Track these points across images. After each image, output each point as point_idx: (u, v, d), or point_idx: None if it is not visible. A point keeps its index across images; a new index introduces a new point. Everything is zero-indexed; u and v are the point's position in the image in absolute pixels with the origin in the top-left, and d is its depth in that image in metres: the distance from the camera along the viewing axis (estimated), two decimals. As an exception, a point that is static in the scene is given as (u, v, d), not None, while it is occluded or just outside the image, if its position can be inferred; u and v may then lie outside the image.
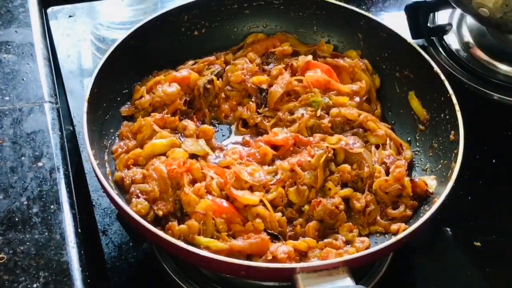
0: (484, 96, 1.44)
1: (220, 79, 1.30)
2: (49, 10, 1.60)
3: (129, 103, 1.28)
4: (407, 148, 1.24)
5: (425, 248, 1.24)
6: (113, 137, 1.22)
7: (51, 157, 1.11)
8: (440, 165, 1.19)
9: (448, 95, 1.20)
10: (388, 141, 1.23)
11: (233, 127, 1.28)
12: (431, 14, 1.56)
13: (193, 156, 1.16)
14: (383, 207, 1.14)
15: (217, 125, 1.29)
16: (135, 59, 1.29)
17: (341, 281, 0.93)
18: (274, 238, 1.07)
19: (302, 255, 1.06)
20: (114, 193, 1.03)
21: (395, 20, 1.54)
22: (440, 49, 1.51)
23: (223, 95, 1.29)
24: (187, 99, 1.26)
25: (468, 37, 1.53)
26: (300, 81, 1.27)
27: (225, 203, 1.08)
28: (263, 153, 1.17)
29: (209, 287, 1.13)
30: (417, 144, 1.26)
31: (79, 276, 0.97)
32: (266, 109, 1.27)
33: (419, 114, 1.26)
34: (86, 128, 1.11)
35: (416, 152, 1.25)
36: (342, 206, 1.11)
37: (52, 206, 1.04)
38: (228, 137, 1.27)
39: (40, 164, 1.10)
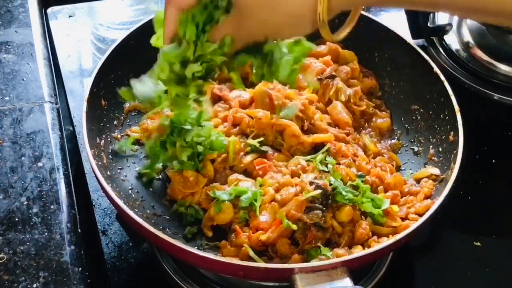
0: (484, 96, 1.44)
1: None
2: (49, 10, 1.60)
3: (132, 102, 1.28)
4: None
5: (425, 248, 1.24)
6: (113, 137, 1.22)
7: (51, 157, 1.11)
8: (440, 165, 1.19)
9: (448, 96, 1.20)
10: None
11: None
12: (431, 14, 1.55)
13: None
14: None
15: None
16: (135, 59, 1.29)
17: (340, 281, 0.93)
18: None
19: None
20: (113, 194, 1.03)
21: (395, 20, 1.54)
22: (440, 49, 1.51)
23: None
24: None
25: (468, 37, 1.53)
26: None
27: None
28: None
29: (209, 287, 1.13)
30: (417, 145, 1.26)
31: (79, 276, 0.97)
32: None
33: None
34: (86, 128, 1.11)
35: (416, 153, 1.25)
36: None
37: (52, 206, 1.04)
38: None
39: (40, 164, 1.10)
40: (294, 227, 1.05)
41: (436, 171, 1.18)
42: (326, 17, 0.88)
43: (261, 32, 0.92)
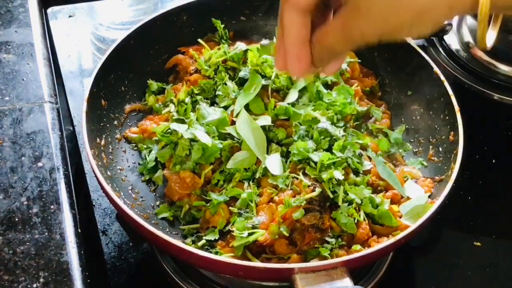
0: (484, 96, 1.44)
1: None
2: (49, 10, 1.60)
3: (132, 102, 1.28)
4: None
5: (425, 248, 1.24)
6: (113, 137, 1.22)
7: (51, 157, 1.11)
8: (440, 165, 1.19)
9: (448, 96, 1.20)
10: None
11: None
12: (431, 14, 1.55)
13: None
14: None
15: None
16: (135, 59, 1.29)
17: (340, 281, 0.93)
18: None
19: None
20: (113, 194, 1.03)
21: (395, 20, 1.53)
22: (440, 49, 1.51)
23: None
24: None
25: (468, 37, 1.53)
26: None
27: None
28: None
29: (209, 287, 1.13)
30: (417, 145, 1.26)
31: (79, 276, 0.97)
32: None
33: None
34: (86, 128, 1.11)
35: (416, 153, 1.25)
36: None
37: (52, 206, 1.04)
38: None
39: (40, 164, 1.10)
40: (286, 233, 1.05)
41: (416, 172, 1.18)
42: (488, 10, 0.72)
43: (378, 33, 0.76)
